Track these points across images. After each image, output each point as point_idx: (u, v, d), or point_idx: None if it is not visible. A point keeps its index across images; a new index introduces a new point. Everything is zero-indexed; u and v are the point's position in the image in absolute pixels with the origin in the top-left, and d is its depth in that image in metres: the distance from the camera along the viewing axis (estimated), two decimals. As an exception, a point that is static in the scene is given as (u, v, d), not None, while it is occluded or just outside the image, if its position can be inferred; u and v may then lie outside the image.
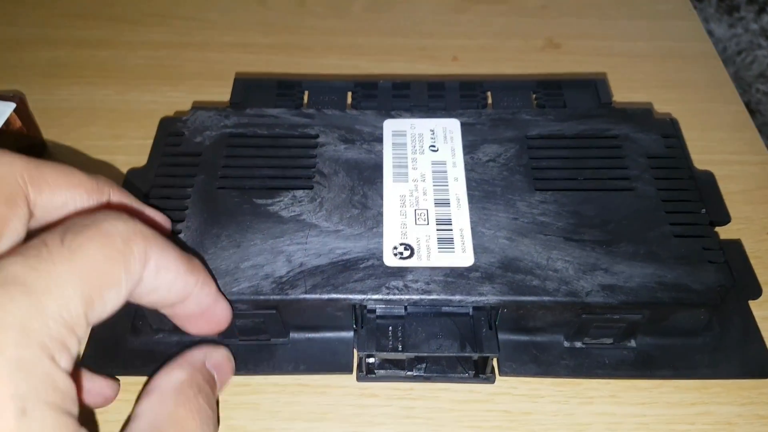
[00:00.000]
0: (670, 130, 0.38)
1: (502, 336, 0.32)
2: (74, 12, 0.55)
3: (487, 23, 0.53)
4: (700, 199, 0.34)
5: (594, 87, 0.42)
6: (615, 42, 0.52)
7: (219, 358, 0.28)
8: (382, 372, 0.31)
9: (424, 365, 0.31)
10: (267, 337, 0.32)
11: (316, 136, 0.37)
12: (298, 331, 0.33)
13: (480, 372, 0.31)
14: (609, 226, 0.33)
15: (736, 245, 0.37)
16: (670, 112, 0.45)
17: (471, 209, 0.33)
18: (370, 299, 0.30)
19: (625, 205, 0.34)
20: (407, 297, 0.30)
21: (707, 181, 0.40)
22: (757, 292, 0.35)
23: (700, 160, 0.43)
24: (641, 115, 0.39)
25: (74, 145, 0.44)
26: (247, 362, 0.32)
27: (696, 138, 0.44)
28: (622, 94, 0.47)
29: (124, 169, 0.40)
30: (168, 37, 0.53)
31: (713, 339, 0.33)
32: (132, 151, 0.43)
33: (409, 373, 0.31)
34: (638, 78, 0.49)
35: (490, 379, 0.31)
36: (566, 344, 0.33)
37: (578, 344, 0.33)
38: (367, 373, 0.31)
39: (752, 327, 0.34)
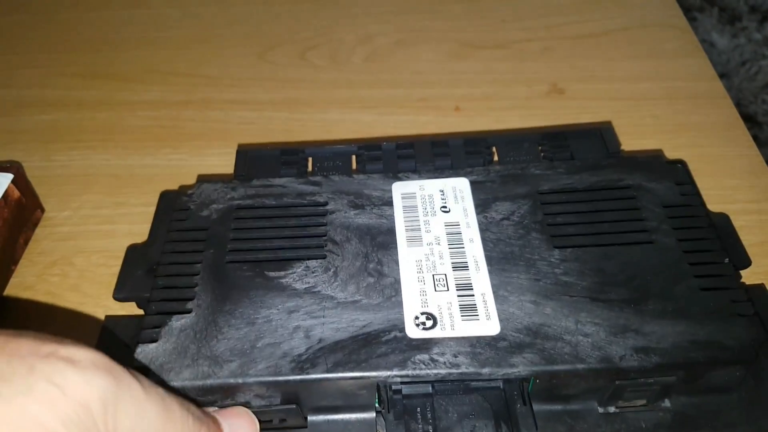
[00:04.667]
0: (682, 176, 0.37)
1: (534, 406, 0.30)
2: (72, 71, 0.54)
3: (489, 70, 0.52)
4: (722, 247, 0.33)
5: (600, 136, 0.41)
6: (621, 84, 0.51)
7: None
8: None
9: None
10: (285, 426, 0.31)
11: (325, 204, 0.36)
12: (316, 414, 0.31)
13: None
14: (634, 283, 0.32)
15: (761, 291, 0.36)
16: (682, 158, 0.44)
17: (490, 272, 0.32)
18: (396, 376, 0.28)
19: (647, 260, 0.33)
20: (435, 371, 0.28)
21: (723, 225, 0.39)
22: None
23: (715, 209, 0.42)
24: (652, 163, 0.38)
25: (74, 214, 0.43)
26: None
27: (709, 186, 0.43)
28: (630, 140, 0.46)
29: (127, 241, 0.38)
30: (167, 95, 0.52)
31: (749, 393, 0.31)
32: (134, 219, 0.41)
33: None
34: (646, 123, 0.48)
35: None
36: (600, 410, 0.31)
37: (612, 409, 0.31)
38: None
39: None
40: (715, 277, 0.32)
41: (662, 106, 0.50)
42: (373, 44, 0.54)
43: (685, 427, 0.31)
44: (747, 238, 0.40)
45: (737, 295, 0.31)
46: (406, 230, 0.34)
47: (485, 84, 0.52)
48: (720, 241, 0.34)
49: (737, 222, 0.40)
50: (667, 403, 0.31)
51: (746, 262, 0.37)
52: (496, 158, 0.41)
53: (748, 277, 0.36)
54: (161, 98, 0.51)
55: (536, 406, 0.30)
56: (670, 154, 0.45)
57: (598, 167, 0.38)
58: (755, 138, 1.16)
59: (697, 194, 0.37)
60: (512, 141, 0.41)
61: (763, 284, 0.36)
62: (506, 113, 0.49)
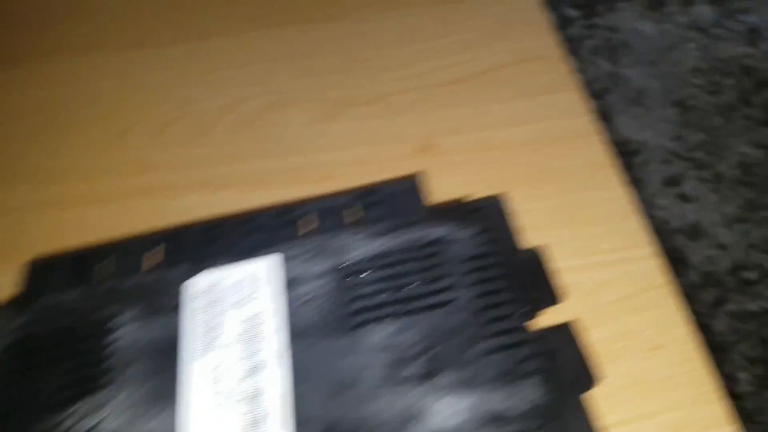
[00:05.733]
0: (482, 225, 0.37)
1: None
2: None
3: (361, 129, 0.51)
4: (521, 297, 0.33)
5: (413, 188, 0.40)
6: (493, 132, 0.50)
7: None
8: None
9: None
10: None
11: (110, 319, 0.34)
12: None
13: None
14: (429, 354, 0.31)
15: (566, 330, 0.35)
16: (547, 207, 0.44)
17: (291, 369, 0.32)
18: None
19: (444, 324, 0.32)
20: None
21: (533, 261, 0.38)
22: (587, 384, 0.33)
23: (578, 265, 0.41)
24: (460, 211, 0.38)
25: None
26: None
27: (573, 237, 0.42)
28: (498, 190, 0.44)
29: None
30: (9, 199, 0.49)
31: None
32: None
33: None
34: (516, 172, 0.47)
35: None
36: None
37: None
38: None
39: (587, 427, 0.31)
40: (505, 334, 0.32)
41: (531, 152, 0.49)
42: (238, 112, 0.53)
43: None
44: (608, 296, 0.39)
45: (528, 351, 0.31)
46: (199, 335, 0.33)
47: (356, 145, 0.51)
48: (518, 289, 0.33)
49: (600, 277, 0.40)
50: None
51: (553, 300, 0.36)
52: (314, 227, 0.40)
53: (613, 352, 0.37)
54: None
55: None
56: (535, 205, 0.45)
57: (406, 225, 0.37)
58: (685, 123, 1.15)
59: (501, 240, 0.36)
60: (328, 206, 0.40)
61: (566, 324, 0.36)
62: (377, 176, 0.48)
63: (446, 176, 0.47)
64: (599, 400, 0.35)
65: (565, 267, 0.41)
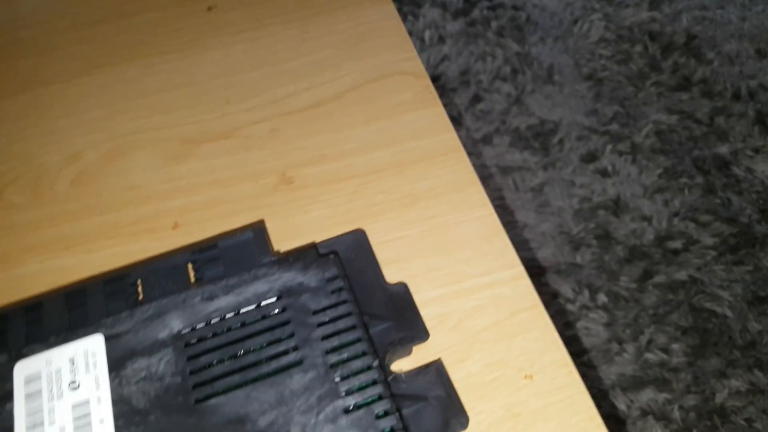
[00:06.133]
0: (332, 270, 0.34)
1: None
2: None
3: (212, 168, 0.48)
4: (372, 349, 0.31)
5: (253, 240, 0.38)
6: (354, 159, 0.47)
7: None
8: None
9: None
10: None
11: None
12: None
13: None
14: (277, 425, 0.29)
15: (436, 368, 0.34)
16: (404, 235, 0.42)
17: None
18: None
19: (292, 387, 0.30)
20: None
21: (400, 295, 0.37)
22: (463, 422, 0.32)
23: (448, 293, 0.39)
24: (304, 259, 0.35)
25: None
26: None
27: (441, 265, 0.40)
28: (360, 224, 0.43)
29: None
30: None
31: None
32: None
33: None
34: (377, 201, 0.45)
35: None
36: None
37: None
38: None
39: None
40: (360, 390, 0.30)
41: (393, 177, 0.46)
42: (80, 162, 0.49)
43: None
44: (478, 323, 0.38)
45: (385, 406, 0.29)
46: (26, 429, 0.30)
47: (208, 187, 0.47)
48: (371, 342, 0.31)
49: (469, 304, 0.38)
50: None
51: (422, 335, 0.35)
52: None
53: (488, 384, 0.35)
54: None
55: None
56: (400, 234, 0.42)
57: (247, 281, 0.34)
58: (598, 97, 1.13)
59: (350, 288, 0.34)
60: (159, 269, 0.37)
61: (439, 360, 0.35)
62: (232, 219, 0.45)
63: (306, 212, 0.44)
64: None
65: (433, 297, 0.39)
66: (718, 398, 0.96)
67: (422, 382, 0.33)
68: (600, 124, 1.15)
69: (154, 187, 0.47)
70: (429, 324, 0.37)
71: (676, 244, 1.08)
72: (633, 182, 1.13)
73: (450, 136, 0.47)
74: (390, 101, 0.50)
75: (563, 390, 0.35)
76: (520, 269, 0.40)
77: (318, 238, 0.41)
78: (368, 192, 0.45)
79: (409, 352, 0.36)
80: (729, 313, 1.02)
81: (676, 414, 0.94)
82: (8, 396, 0.32)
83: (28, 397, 0.31)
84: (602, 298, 1.03)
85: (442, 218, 0.43)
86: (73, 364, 0.32)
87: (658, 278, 1.05)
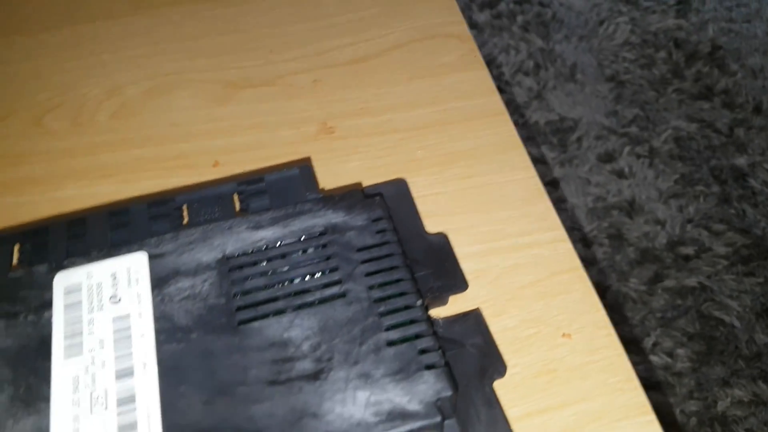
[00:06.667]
0: (378, 211, 0.34)
1: None
2: None
3: (254, 113, 0.48)
4: (416, 288, 0.31)
5: (299, 176, 0.38)
6: (395, 114, 0.47)
7: None
8: None
9: None
10: None
11: None
12: None
13: None
14: (319, 351, 0.28)
15: (475, 317, 0.33)
16: (453, 191, 0.41)
17: (161, 373, 0.28)
18: None
19: (336, 318, 0.30)
20: None
21: (440, 245, 0.36)
22: (501, 371, 0.32)
23: (487, 249, 0.39)
24: (350, 200, 0.35)
25: None
26: None
27: (481, 222, 0.40)
28: (400, 176, 0.42)
29: None
30: None
31: None
32: None
33: None
34: (419, 156, 0.44)
35: None
36: None
37: None
38: None
39: (499, 415, 0.30)
40: (403, 326, 0.29)
41: (435, 134, 0.45)
42: (122, 96, 0.49)
43: None
44: (518, 280, 0.37)
45: (427, 343, 0.29)
46: (65, 337, 0.30)
47: (249, 130, 0.47)
48: (414, 281, 0.31)
49: (508, 262, 0.38)
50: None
51: (461, 286, 0.35)
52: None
53: (523, 340, 0.35)
54: None
55: None
56: (440, 189, 0.42)
57: (293, 215, 0.34)
58: (619, 98, 1.13)
59: (393, 230, 0.34)
60: (205, 196, 0.37)
61: (478, 309, 0.34)
62: (271, 162, 0.45)
63: (345, 162, 0.44)
64: (509, 391, 0.33)
65: (471, 252, 0.39)
66: (720, 406, 0.96)
67: (460, 330, 0.32)
68: (619, 125, 1.15)
69: (194, 126, 0.47)
70: (467, 278, 0.37)
71: (688, 250, 1.08)
72: (649, 185, 1.13)
73: (494, 99, 0.47)
74: (434, 62, 0.49)
75: (601, 351, 0.35)
76: (561, 232, 0.40)
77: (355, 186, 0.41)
78: (409, 147, 0.45)
79: (446, 302, 0.35)
80: (737, 323, 1.02)
81: (677, 418, 0.94)
82: (47, 305, 0.31)
83: (68, 307, 0.31)
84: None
85: (483, 177, 0.43)
86: (115, 279, 0.32)
87: (668, 282, 1.05)
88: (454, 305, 0.36)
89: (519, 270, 0.38)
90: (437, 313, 0.35)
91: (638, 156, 1.14)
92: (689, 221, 1.10)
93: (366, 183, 0.42)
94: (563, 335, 0.35)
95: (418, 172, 0.43)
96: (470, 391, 0.30)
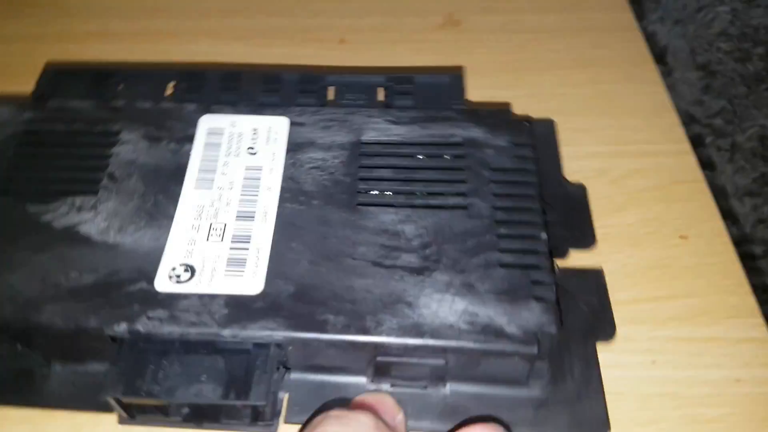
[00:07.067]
0: (524, 137, 0.33)
1: (297, 375, 0.27)
2: None
3: (380, -1, 0.47)
4: (543, 222, 0.29)
5: (449, 83, 0.37)
6: (523, 15, 0.47)
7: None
8: (143, 416, 0.26)
9: (187, 410, 0.26)
10: (23, 365, 0.28)
11: (118, 133, 0.32)
12: (61, 362, 0.28)
13: (259, 418, 0.25)
14: (428, 250, 0.28)
15: (595, 276, 0.32)
16: (579, 94, 0.41)
17: (277, 225, 0.29)
18: (126, 331, 0.25)
19: (452, 226, 0.29)
20: (169, 330, 0.25)
21: (576, 196, 0.35)
22: (609, 333, 0.30)
23: (610, 151, 0.38)
24: (495, 118, 0.33)
25: None
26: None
27: (606, 126, 0.39)
28: (525, 75, 0.42)
29: None
30: (20, 28, 0.46)
31: (543, 390, 0.28)
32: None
33: (174, 418, 0.26)
34: (547, 57, 0.44)
35: (271, 427, 0.26)
36: (371, 387, 0.28)
37: (386, 387, 0.28)
38: (128, 415, 0.26)
39: (594, 377, 0.28)
40: (521, 253, 0.28)
41: (565, 39, 0.45)
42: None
43: (452, 418, 0.27)
44: (640, 183, 0.37)
45: (542, 277, 0.27)
46: (200, 171, 0.31)
47: (376, 13, 0.47)
48: (543, 213, 0.30)
49: (632, 165, 0.38)
50: (447, 389, 0.28)
51: (589, 241, 0.33)
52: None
53: (639, 236, 0.34)
54: (13, 32, 0.46)
55: (299, 375, 0.27)
56: (567, 90, 0.42)
57: (436, 119, 0.33)
58: (708, 89, 1.10)
59: (533, 159, 0.32)
60: (353, 82, 0.37)
61: (600, 269, 0.33)
62: (395, 47, 0.45)
63: (470, 54, 0.44)
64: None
65: (594, 152, 0.38)
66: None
67: (576, 284, 0.31)
68: (704, 115, 1.13)
69: (325, 3, 0.47)
70: (587, 176, 0.36)
71: (757, 249, 1.05)
72: (726, 180, 1.10)
73: (627, 17, 0.46)
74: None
75: (717, 255, 0.34)
76: (686, 146, 0.39)
77: (479, 80, 0.40)
78: (537, 48, 0.44)
79: (565, 255, 0.33)
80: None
81: None
82: (189, 139, 0.32)
83: (208, 146, 0.32)
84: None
85: (611, 85, 0.42)
86: (256, 134, 0.32)
87: (731, 278, 1.03)
88: (574, 259, 0.34)
89: (641, 174, 0.37)
90: (557, 260, 0.34)
91: (719, 148, 1.11)
92: (761, 221, 1.08)
93: (487, 78, 0.41)
94: (680, 237, 0.35)
95: (544, 73, 0.43)
96: (571, 344, 0.29)
